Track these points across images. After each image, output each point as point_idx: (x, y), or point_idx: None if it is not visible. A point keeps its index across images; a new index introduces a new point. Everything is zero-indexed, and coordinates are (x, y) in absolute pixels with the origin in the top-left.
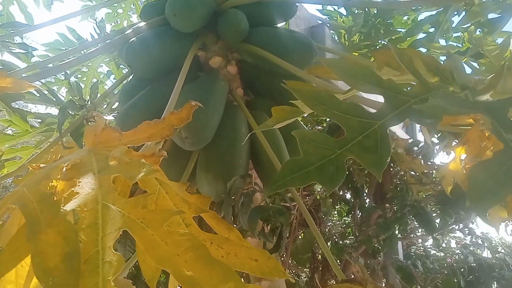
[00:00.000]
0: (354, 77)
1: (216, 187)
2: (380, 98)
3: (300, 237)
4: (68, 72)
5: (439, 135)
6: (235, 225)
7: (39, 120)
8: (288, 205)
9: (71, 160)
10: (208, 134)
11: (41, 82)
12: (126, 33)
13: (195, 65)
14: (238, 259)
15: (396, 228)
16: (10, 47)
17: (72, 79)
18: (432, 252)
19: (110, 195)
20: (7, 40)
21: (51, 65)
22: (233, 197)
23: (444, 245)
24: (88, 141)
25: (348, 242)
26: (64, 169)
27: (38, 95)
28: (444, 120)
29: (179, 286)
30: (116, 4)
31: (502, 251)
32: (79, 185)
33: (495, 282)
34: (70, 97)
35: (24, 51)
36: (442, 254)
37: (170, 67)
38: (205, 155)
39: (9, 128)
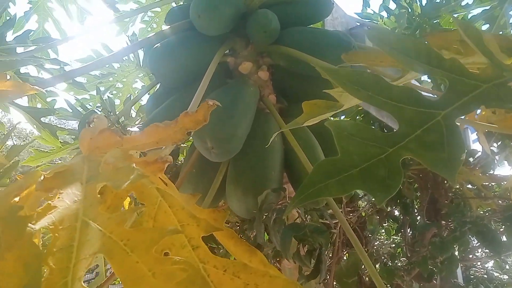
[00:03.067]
0: (408, 55)
1: (246, 202)
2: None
3: (345, 258)
4: (103, 88)
5: (499, 143)
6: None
7: (74, 137)
8: (328, 222)
9: (55, 168)
10: (236, 143)
11: (76, 98)
12: (149, 36)
13: (224, 72)
14: None
15: (455, 249)
16: (42, 63)
17: (109, 95)
18: (495, 274)
19: (93, 209)
20: (39, 56)
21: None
22: (266, 214)
23: (507, 267)
24: (83, 146)
25: (399, 264)
26: (42, 177)
27: (71, 110)
28: None
29: None
30: (149, 19)
31: None
32: (59, 197)
33: None
34: (101, 112)
35: (57, 67)
36: (506, 277)
37: (196, 74)
38: (234, 168)
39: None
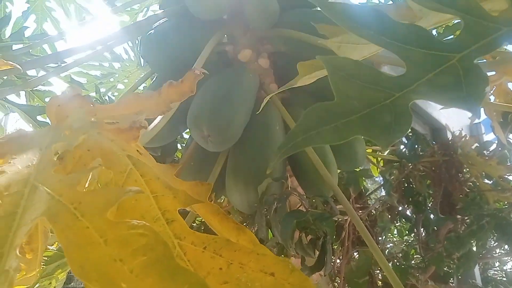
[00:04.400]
0: None
1: (247, 195)
2: None
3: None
4: (104, 90)
5: None
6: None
7: None
8: (340, 219)
9: (12, 134)
10: (234, 131)
11: None
12: (139, 21)
13: (223, 62)
14: (244, 272)
15: (472, 244)
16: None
17: (110, 96)
18: None
19: (45, 173)
20: (36, 54)
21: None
22: (266, 208)
23: None
24: (51, 115)
25: (413, 263)
26: None
27: None
28: None
29: None
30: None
31: None
32: (10, 162)
33: None
34: None
35: (55, 65)
36: None
37: (192, 62)
38: (234, 158)
39: None
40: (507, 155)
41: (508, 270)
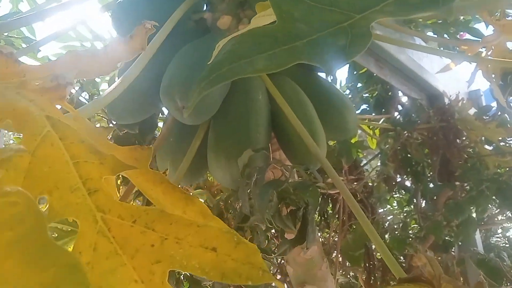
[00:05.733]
0: None
1: (230, 170)
2: None
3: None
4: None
5: None
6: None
7: None
8: (331, 192)
9: None
10: (211, 101)
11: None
12: None
13: (202, 31)
14: (180, 248)
15: (472, 211)
16: (13, 42)
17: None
18: None
19: None
20: (14, 35)
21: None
22: (249, 180)
23: None
24: None
25: (411, 233)
26: None
27: None
28: None
29: None
30: None
31: None
32: None
33: None
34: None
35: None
36: None
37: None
38: (214, 132)
39: None
40: (507, 118)
41: (511, 236)
